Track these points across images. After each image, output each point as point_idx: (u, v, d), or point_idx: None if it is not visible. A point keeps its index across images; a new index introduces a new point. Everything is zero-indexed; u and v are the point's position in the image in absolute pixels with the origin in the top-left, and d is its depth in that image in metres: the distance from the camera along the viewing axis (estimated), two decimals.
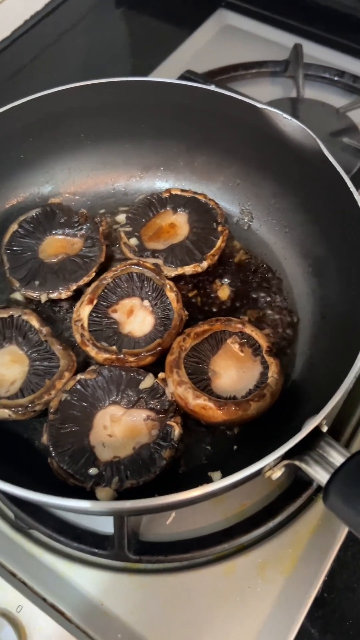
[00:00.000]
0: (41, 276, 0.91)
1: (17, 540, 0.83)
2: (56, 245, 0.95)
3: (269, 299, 0.94)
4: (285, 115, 0.88)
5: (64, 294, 0.90)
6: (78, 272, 0.91)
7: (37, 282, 0.90)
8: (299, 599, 0.78)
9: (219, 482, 0.62)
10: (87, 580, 0.80)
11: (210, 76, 1.27)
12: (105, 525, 0.82)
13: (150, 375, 0.82)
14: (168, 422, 0.77)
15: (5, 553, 0.82)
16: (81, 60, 1.47)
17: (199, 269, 0.92)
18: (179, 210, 0.98)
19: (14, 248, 0.93)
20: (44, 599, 0.78)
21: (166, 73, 1.34)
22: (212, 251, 0.93)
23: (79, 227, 0.95)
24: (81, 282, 0.90)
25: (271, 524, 0.82)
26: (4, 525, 0.84)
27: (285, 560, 0.81)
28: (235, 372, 0.83)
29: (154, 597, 0.79)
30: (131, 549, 0.79)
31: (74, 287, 0.90)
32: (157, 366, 0.84)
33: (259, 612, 0.77)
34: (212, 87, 0.95)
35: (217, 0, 1.51)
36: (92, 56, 1.48)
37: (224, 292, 0.94)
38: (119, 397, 0.80)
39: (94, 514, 0.77)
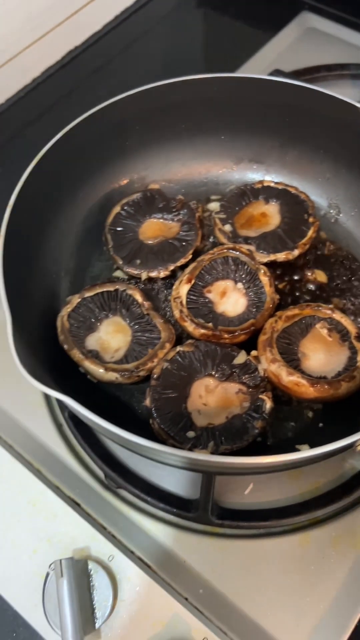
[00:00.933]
0: (142, 256, 0.97)
1: (106, 497, 0.89)
2: (154, 228, 1.01)
3: (355, 288, 0.98)
4: None
5: (162, 273, 0.96)
6: (176, 254, 0.97)
7: (138, 261, 0.96)
8: None
9: (321, 448, 0.66)
10: (171, 538, 0.85)
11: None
12: (188, 490, 0.88)
13: (243, 352, 0.87)
14: (260, 396, 0.83)
15: (96, 508, 0.88)
16: (163, 57, 1.53)
17: (290, 257, 0.96)
18: (270, 201, 1.03)
19: (117, 229, 1.00)
20: (132, 552, 0.85)
21: (251, 73, 1.38)
22: (303, 240, 0.97)
23: (177, 212, 1.01)
24: (179, 264, 0.96)
25: (346, 501, 0.87)
26: (94, 483, 0.90)
27: (358, 535, 0.85)
28: (323, 355, 0.87)
29: (233, 560, 0.84)
30: (214, 514, 0.84)
31: (172, 267, 0.96)
32: (247, 346, 0.89)
33: (333, 580, 0.82)
34: (310, 85, 0.98)
35: (300, 3, 1.55)
36: (174, 53, 1.53)
37: (321, 276, 0.98)
38: (214, 370, 0.85)
39: (202, 468, 0.81)
